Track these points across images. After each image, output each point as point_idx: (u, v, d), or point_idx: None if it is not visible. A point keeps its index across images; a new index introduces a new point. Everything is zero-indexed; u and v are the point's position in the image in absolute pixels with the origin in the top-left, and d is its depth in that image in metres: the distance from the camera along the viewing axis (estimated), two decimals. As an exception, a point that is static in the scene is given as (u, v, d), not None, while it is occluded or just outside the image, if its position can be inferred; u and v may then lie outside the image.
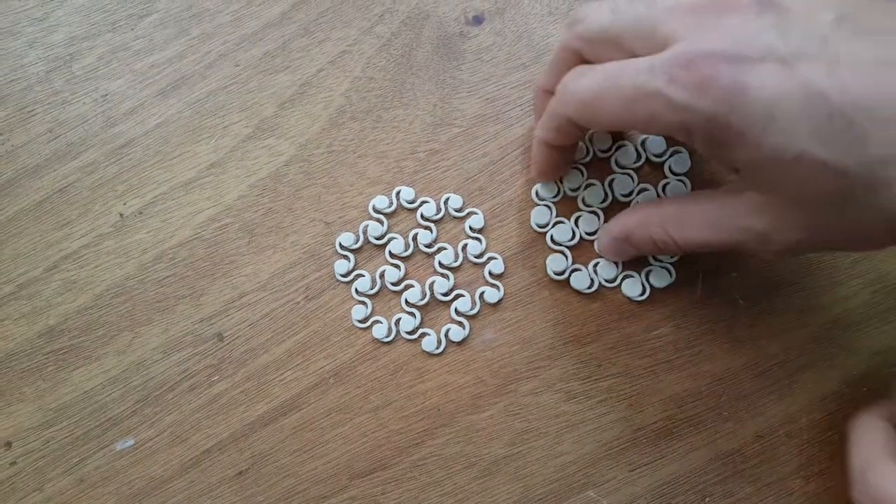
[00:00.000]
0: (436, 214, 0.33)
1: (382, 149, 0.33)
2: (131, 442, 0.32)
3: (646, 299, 0.32)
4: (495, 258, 0.32)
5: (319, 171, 0.33)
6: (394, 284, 0.33)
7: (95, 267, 0.33)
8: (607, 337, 0.32)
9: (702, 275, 0.32)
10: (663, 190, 0.32)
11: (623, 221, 0.30)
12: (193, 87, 0.34)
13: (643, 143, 0.33)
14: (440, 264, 0.33)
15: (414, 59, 0.34)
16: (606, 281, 0.32)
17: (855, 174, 0.21)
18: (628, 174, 0.33)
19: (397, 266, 0.33)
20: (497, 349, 0.32)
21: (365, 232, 0.33)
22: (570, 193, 0.33)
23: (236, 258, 0.33)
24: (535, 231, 0.33)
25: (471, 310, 0.32)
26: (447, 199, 0.33)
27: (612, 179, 0.33)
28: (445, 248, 0.33)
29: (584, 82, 0.25)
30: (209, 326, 0.32)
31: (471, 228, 0.33)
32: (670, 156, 0.32)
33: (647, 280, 0.32)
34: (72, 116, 0.33)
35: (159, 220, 0.33)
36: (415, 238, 0.33)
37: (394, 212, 0.33)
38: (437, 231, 0.33)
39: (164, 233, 0.33)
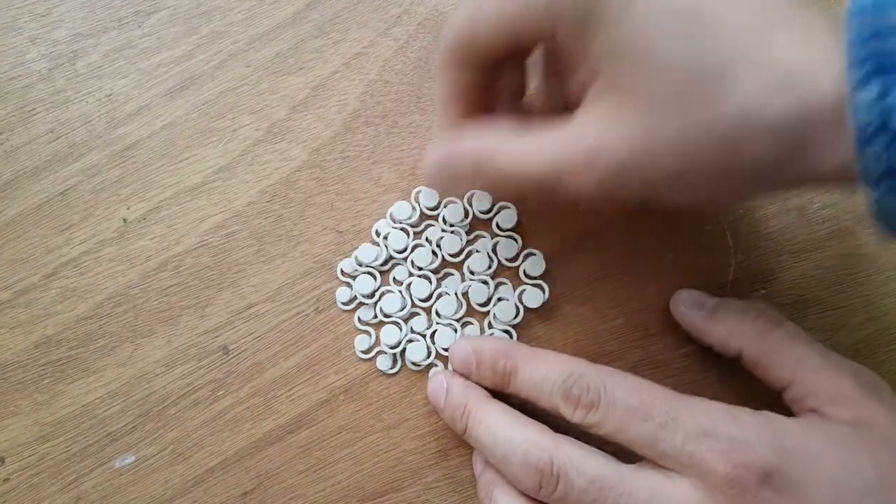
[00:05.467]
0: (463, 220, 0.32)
1: (398, 155, 0.32)
2: (131, 459, 0.31)
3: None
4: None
5: (332, 178, 0.32)
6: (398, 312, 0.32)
7: (96, 274, 0.32)
8: (630, 355, 0.31)
9: (730, 288, 0.31)
10: (493, 250, 0.32)
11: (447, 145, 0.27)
12: (202, 87, 0.32)
13: (469, 200, 0.32)
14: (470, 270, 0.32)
15: (431, 62, 0.33)
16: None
17: (703, 66, 0.20)
18: (457, 233, 0.32)
19: (400, 293, 0.31)
20: (515, 366, 0.31)
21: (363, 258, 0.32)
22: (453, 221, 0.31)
23: (244, 267, 0.32)
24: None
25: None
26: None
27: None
28: (453, 274, 0.32)
29: None
30: (214, 339, 0.31)
31: (499, 227, 0.32)
32: (497, 212, 0.32)
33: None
34: (74, 116, 0.32)
35: (164, 226, 0.32)
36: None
37: (416, 220, 0.32)
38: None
39: (168, 239, 0.32)
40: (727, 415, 0.24)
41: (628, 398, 0.24)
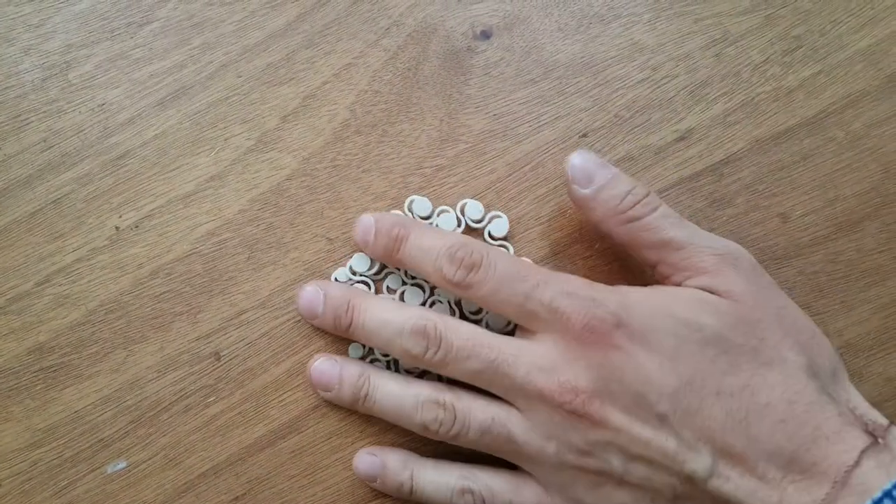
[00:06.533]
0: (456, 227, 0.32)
1: (387, 164, 0.33)
2: (123, 464, 0.31)
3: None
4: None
5: (322, 186, 0.32)
6: None
7: (89, 282, 0.32)
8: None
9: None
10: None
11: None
12: (194, 97, 0.33)
13: (462, 209, 0.32)
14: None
15: (420, 73, 0.33)
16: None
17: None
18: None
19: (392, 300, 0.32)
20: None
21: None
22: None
23: (235, 274, 0.32)
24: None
25: None
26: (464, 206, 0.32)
27: None
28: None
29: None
30: (206, 345, 0.32)
31: (491, 236, 0.32)
32: (489, 222, 0.32)
33: None
34: (67, 126, 0.32)
35: (156, 234, 0.32)
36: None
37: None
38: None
39: (160, 247, 0.32)
40: (587, 283, 0.28)
41: (507, 265, 0.28)
